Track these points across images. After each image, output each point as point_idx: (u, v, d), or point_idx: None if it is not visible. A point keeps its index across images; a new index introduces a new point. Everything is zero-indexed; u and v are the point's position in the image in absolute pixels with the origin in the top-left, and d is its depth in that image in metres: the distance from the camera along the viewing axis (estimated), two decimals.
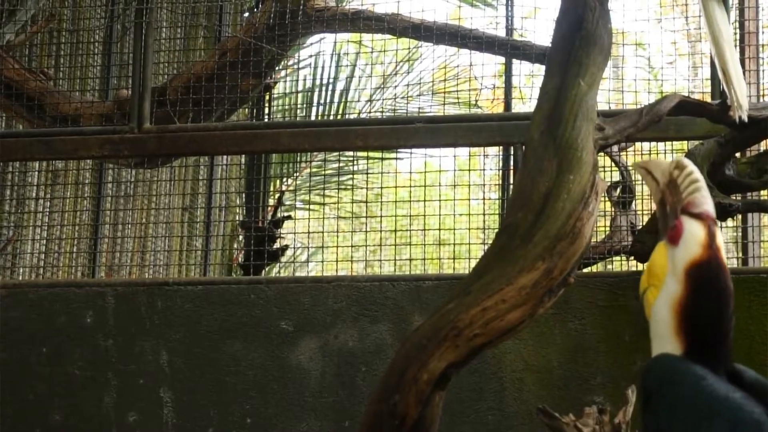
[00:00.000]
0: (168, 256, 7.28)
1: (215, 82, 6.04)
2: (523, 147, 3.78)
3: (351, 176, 8.31)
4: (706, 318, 2.00)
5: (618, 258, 6.14)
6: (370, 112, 8.47)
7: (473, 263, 3.14)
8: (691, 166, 2.12)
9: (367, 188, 6.48)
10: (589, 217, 2.96)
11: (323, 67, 8.65)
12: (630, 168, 5.68)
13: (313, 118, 8.87)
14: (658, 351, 2.03)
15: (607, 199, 5.90)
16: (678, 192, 2.09)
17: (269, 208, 7.28)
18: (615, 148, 5.42)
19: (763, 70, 5.63)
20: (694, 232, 2.03)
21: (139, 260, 7.37)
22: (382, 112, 8.40)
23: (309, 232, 6.51)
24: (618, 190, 5.96)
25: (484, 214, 5.91)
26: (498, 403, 4.56)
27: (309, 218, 7.16)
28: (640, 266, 4.62)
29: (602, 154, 3.86)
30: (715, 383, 1.91)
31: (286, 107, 8.72)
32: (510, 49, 6.01)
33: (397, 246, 5.74)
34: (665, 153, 5.73)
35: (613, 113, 3.77)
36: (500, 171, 6.16)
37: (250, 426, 4.68)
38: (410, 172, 6.36)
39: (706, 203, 2.07)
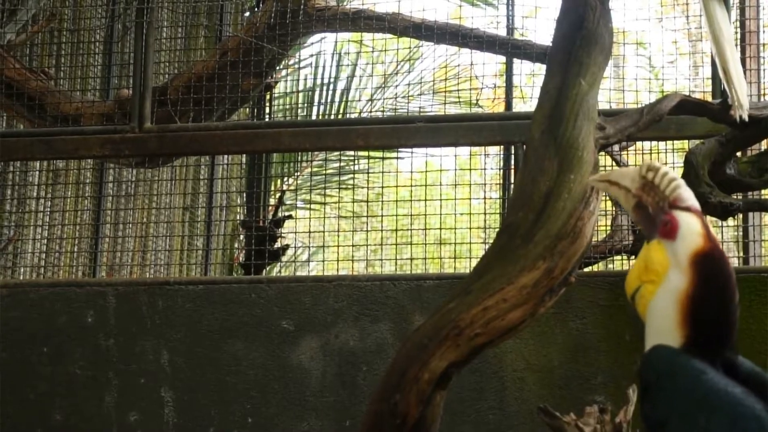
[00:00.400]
0: (169, 255, 7.28)
1: (216, 81, 6.04)
2: (524, 146, 3.79)
3: (352, 176, 8.31)
4: (714, 308, 2.00)
5: (619, 257, 6.14)
6: (371, 112, 8.47)
7: (474, 262, 3.14)
8: (664, 167, 2.14)
9: (368, 188, 6.48)
10: (590, 217, 2.96)
11: (324, 67, 8.66)
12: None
13: (314, 117, 8.87)
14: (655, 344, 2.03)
15: (607, 198, 5.89)
16: (659, 191, 2.10)
17: (270, 208, 7.28)
18: (616, 147, 5.42)
19: (763, 69, 5.63)
20: (690, 224, 2.04)
21: (140, 260, 7.37)
22: (383, 111, 8.40)
23: (310, 232, 6.51)
24: None
25: (485, 214, 5.91)
26: (499, 403, 4.56)
27: (310, 218, 7.17)
28: None
29: (603, 153, 3.86)
30: (715, 377, 1.91)
31: (287, 107, 8.72)
32: (511, 48, 6.01)
33: (398, 245, 5.74)
34: (666, 152, 5.73)
35: (614, 112, 3.77)
36: (501, 170, 6.16)
37: (251, 425, 4.68)
38: (411, 172, 6.36)
39: (692, 198, 2.09)
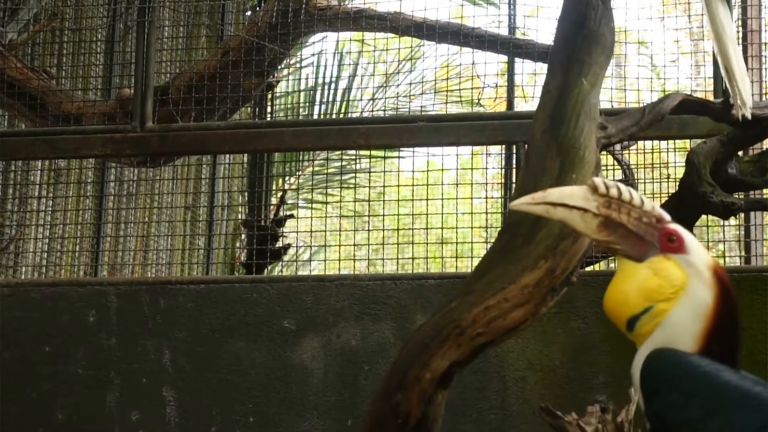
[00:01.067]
0: (170, 254, 7.28)
1: (218, 80, 6.04)
2: (526, 146, 3.79)
3: (353, 175, 8.30)
4: (733, 320, 1.99)
5: None
6: (372, 111, 8.47)
7: (476, 262, 3.15)
8: (613, 182, 2.10)
9: (369, 187, 6.48)
10: None
11: (326, 66, 8.66)
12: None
13: (315, 116, 8.87)
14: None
15: None
16: (635, 207, 2.06)
17: (272, 207, 7.28)
18: (618, 146, 5.42)
19: (765, 69, 5.62)
20: (689, 236, 2.03)
21: (142, 259, 7.38)
22: (384, 110, 8.40)
23: (311, 231, 6.51)
24: None
25: (486, 213, 5.90)
26: (501, 402, 4.55)
27: (311, 217, 7.17)
28: None
29: (605, 152, 3.86)
30: (733, 375, 1.90)
31: (289, 106, 8.72)
32: (512, 47, 6.01)
33: (399, 245, 5.74)
34: (668, 151, 5.73)
35: (615, 112, 3.77)
36: (503, 170, 6.16)
37: (253, 425, 4.68)
38: (413, 171, 6.36)
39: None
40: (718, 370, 1.90)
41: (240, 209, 7.78)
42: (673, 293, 2.00)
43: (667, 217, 2.06)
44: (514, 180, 5.63)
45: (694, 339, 1.97)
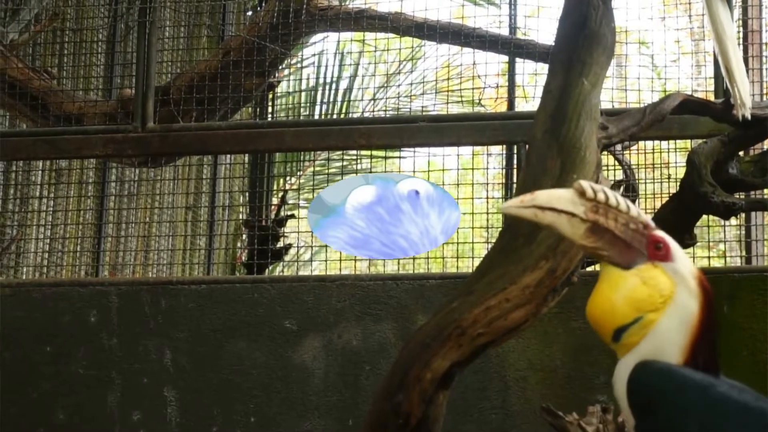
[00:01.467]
0: (171, 255, 7.28)
1: (219, 81, 6.04)
2: (527, 146, 3.79)
3: (354, 175, 8.31)
4: (715, 330, 1.97)
5: None
6: (373, 111, 8.47)
7: (477, 262, 3.15)
8: (600, 186, 2.06)
9: None
10: None
11: (326, 66, 8.66)
12: (630, 167, 5.65)
13: (316, 117, 8.88)
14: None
15: None
16: (622, 213, 2.01)
17: (273, 207, 7.28)
18: (618, 146, 5.42)
19: (766, 69, 5.62)
20: (675, 245, 2.00)
21: (143, 259, 7.38)
22: (385, 110, 8.40)
23: (312, 231, 6.51)
24: (621, 188, 5.95)
25: (487, 213, 5.90)
26: (502, 402, 4.56)
27: None
28: None
29: (606, 152, 3.86)
30: (731, 389, 1.87)
31: (290, 106, 8.72)
32: (513, 47, 6.00)
33: None
34: (668, 151, 5.73)
35: (616, 112, 3.77)
36: (504, 170, 6.15)
37: (254, 425, 4.68)
38: (413, 171, 6.34)
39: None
40: (712, 384, 1.87)
41: (241, 209, 7.78)
42: (662, 303, 1.96)
43: (653, 224, 2.03)
44: (515, 180, 5.63)
45: (681, 350, 1.93)
